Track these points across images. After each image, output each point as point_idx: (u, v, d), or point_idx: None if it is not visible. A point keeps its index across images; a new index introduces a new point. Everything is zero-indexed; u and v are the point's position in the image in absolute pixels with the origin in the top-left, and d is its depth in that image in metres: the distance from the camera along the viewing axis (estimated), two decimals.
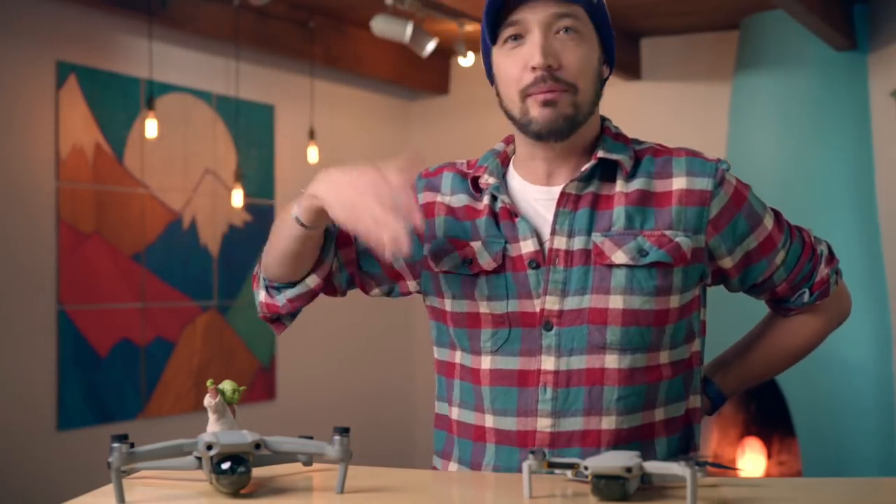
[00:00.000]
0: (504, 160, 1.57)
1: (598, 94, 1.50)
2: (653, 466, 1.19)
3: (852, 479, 1.45)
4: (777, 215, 1.59)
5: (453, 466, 1.56)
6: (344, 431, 1.23)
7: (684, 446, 1.54)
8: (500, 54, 1.48)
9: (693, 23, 5.32)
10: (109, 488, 1.20)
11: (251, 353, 5.11)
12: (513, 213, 1.50)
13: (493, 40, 1.48)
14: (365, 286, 1.64)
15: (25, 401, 4.12)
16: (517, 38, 1.45)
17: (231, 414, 1.40)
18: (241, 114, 5.06)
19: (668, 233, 1.46)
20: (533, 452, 1.22)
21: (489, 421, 1.50)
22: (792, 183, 4.76)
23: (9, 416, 4.05)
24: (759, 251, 1.54)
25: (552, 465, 1.24)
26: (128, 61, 4.54)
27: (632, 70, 5.55)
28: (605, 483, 1.17)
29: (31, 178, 4.17)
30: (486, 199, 1.53)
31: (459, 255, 1.51)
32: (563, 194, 1.47)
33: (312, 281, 1.58)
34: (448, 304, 1.54)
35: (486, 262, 1.49)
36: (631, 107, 5.63)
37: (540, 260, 1.47)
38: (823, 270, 1.61)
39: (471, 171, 1.57)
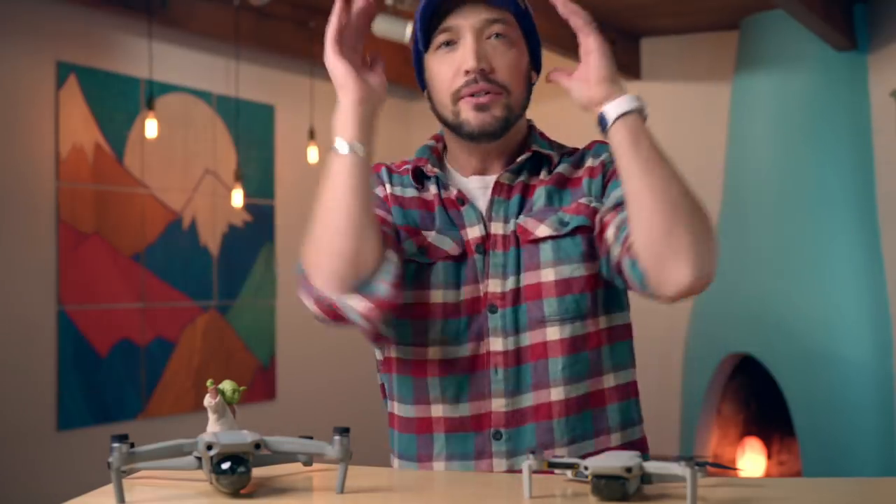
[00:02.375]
0: (438, 156, 1.63)
1: (527, 98, 1.56)
2: (653, 466, 1.19)
3: (852, 479, 1.45)
4: None
5: (395, 463, 1.59)
6: (344, 431, 1.23)
7: (637, 416, 1.59)
8: (432, 60, 1.53)
9: (693, 23, 5.32)
10: (109, 488, 1.20)
11: (251, 353, 5.11)
12: (460, 200, 1.55)
13: (426, 46, 1.53)
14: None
15: (25, 401, 4.12)
16: (449, 43, 1.50)
17: (231, 414, 1.41)
18: (241, 114, 5.06)
19: (583, 201, 1.53)
20: (533, 452, 1.23)
21: (437, 411, 1.52)
22: (792, 183, 4.76)
23: (9, 416, 4.05)
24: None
25: (552, 465, 1.24)
26: (128, 61, 4.54)
27: (632, 70, 5.55)
28: (605, 483, 1.17)
29: (31, 178, 4.17)
30: (432, 189, 1.58)
31: (414, 243, 1.54)
32: (497, 183, 1.54)
33: (392, 256, 1.43)
34: None
35: (449, 246, 1.53)
36: None
37: (486, 245, 1.52)
38: None
39: (401, 169, 1.62)
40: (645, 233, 1.37)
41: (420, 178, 1.59)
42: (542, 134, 1.63)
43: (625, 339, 1.57)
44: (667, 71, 5.60)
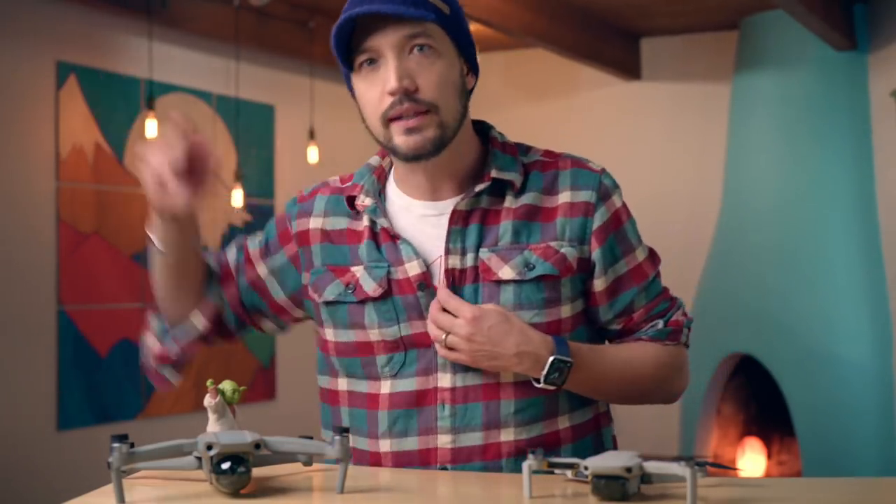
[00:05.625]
0: (381, 175, 1.56)
1: (463, 107, 1.48)
2: (653, 466, 1.19)
3: (852, 479, 1.45)
4: (652, 253, 1.57)
5: None
6: (344, 431, 1.23)
7: (595, 450, 1.52)
8: (357, 79, 1.47)
9: (693, 23, 5.32)
10: (109, 488, 1.20)
11: (251, 353, 5.11)
12: (393, 235, 1.49)
13: (349, 66, 1.46)
14: (255, 323, 1.64)
15: (25, 401, 4.12)
16: (372, 62, 1.44)
17: (231, 414, 1.40)
18: (241, 114, 5.05)
19: (553, 244, 1.47)
20: (533, 453, 1.22)
21: (385, 446, 1.49)
22: (792, 183, 4.76)
23: (9, 416, 4.05)
24: (630, 278, 1.52)
25: (552, 465, 1.24)
26: (128, 61, 4.54)
27: (632, 70, 5.55)
28: (605, 483, 1.17)
29: (31, 178, 4.17)
30: (365, 220, 1.51)
31: (342, 281, 1.51)
32: (454, 212, 1.47)
33: (199, 321, 1.58)
34: (330, 335, 1.53)
35: (371, 288, 1.48)
36: (631, 107, 5.63)
37: (428, 281, 1.47)
38: (680, 315, 1.57)
39: (346, 187, 1.56)
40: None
41: (354, 205, 1.53)
42: (503, 144, 1.53)
43: None
44: (667, 71, 5.60)
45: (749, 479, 1.39)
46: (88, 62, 4.38)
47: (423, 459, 1.47)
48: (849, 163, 4.66)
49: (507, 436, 1.45)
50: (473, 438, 1.46)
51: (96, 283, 4.37)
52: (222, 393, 1.40)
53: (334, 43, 1.43)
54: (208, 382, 1.39)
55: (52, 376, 4.20)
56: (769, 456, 5.08)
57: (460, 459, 1.46)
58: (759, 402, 5.10)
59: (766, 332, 4.74)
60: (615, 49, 5.41)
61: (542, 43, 4.76)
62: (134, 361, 4.51)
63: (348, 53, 1.45)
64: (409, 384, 1.48)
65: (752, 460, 5.08)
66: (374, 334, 1.49)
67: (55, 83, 4.24)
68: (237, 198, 4.78)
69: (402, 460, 1.49)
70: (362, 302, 1.49)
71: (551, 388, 1.43)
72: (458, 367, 1.45)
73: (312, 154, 5.09)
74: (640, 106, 5.61)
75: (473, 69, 1.52)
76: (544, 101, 5.83)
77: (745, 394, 5.13)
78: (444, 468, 1.46)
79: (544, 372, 1.41)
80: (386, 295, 1.48)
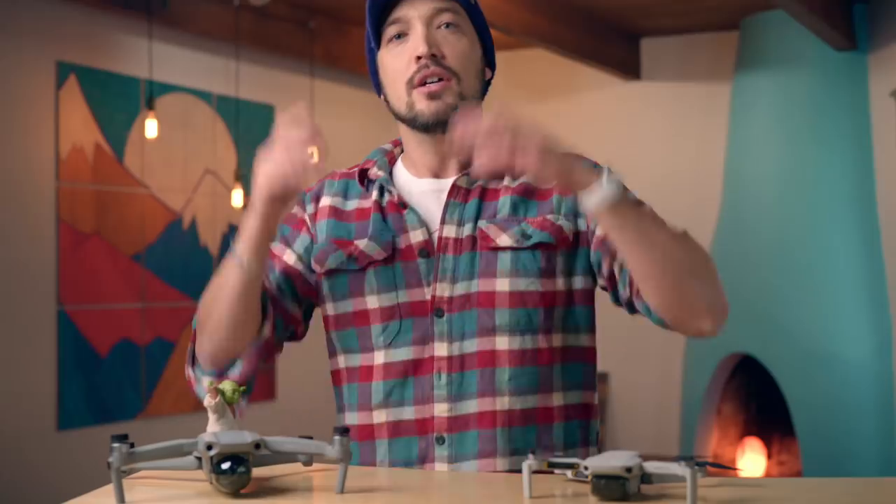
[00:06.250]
0: (391, 158, 1.62)
1: (482, 91, 1.57)
2: (653, 466, 1.19)
3: (852, 479, 1.45)
4: None
5: None
6: (344, 431, 1.23)
7: (583, 437, 1.55)
8: (385, 54, 1.54)
9: (693, 23, 5.32)
10: (109, 488, 1.20)
11: None
12: (400, 204, 1.54)
13: (378, 41, 1.54)
14: (297, 325, 1.64)
15: (25, 401, 4.12)
16: (401, 36, 1.52)
17: (231, 414, 1.41)
18: (241, 114, 5.06)
19: (549, 217, 1.51)
20: (533, 452, 1.22)
21: (380, 416, 1.52)
22: (792, 183, 4.76)
23: (9, 416, 4.05)
24: None
25: (552, 465, 1.24)
26: (128, 61, 4.54)
27: (632, 70, 5.55)
28: (605, 483, 1.17)
29: (31, 178, 4.17)
30: (374, 195, 1.57)
31: (344, 252, 1.54)
32: (454, 186, 1.53)
33: (267, 329, 1.58)
34: (331, 309, 1.57)
35: (375, 252, 1.52)
36: (630, 107, 5.63)
37: (430, 249, 1.51)
38: None
39: (356, 168, 1.62)
40: (656, 300, 1.42)
41: (365, 181, 1.59)
42: None
43: (583, 361, 1.55)
44: (667, 71, 5.60)
45: (749, 479, 1.39)
46: (88, 62, 4.38)
47: (419, 429, 1.49)
48: (849, 163, 4.66)
49: (503, 405, 1.48)
50: (469, 406, 1.48)
51: (96, 283, 4.37)
52: (222, 393, 1.40)
53: (369, 13, 1.51)
54: (208, 382, 1.39)
55: (52, 376, 4.20)
56: (769, 456, 5.09)
57: (456, 427, 1.48)
58: (759, 402, 5.10)
59: (766, 332, 4.74)
60: (615, 49, 5.42)
61: (543, 43, 4.76)
62: (134, 361, 4.51)
63: (377, 30, 1.53)
64: (404, 353, 1.50)
65: (752, 460, 5.08)
66: (371, 301, 1.52)
67: (55, 83, 4.24)
68: (237, 198, 4.78)
69: (398, 430, 1.50)
70: (363, 269, 1.52)
71: (609, 197, 1.32)
72: (456, 336, 1.49)
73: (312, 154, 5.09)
74: (640, 106, 5.61)
75: (490, 63, 1.59)
76: (544, 101, 5.83)
77: (745, 394, 5.13)
78: (440, 437, 1.48)
79: (605, 174, 1.33)
80: (389, 260, 1.51)
